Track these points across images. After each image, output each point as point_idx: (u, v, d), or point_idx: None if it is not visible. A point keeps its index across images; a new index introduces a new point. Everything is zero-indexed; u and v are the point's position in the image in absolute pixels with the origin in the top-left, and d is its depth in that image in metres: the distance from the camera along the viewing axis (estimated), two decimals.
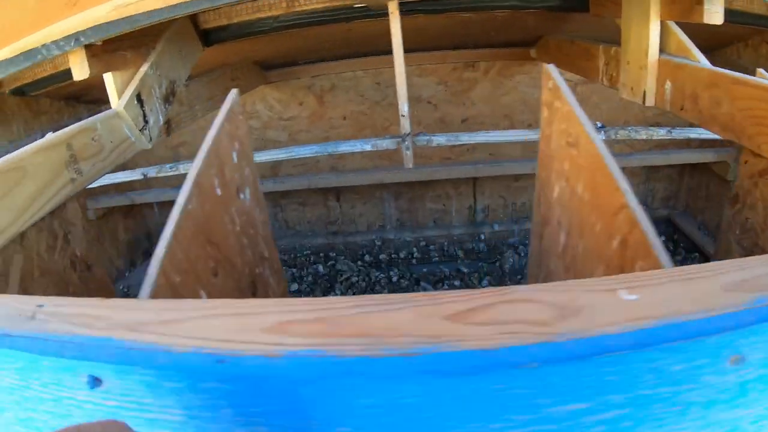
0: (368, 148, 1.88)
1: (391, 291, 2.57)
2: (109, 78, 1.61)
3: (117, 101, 1.62)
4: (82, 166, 1.35)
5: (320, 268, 2.75)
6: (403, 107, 1.78)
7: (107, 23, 1.42)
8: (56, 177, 1.23)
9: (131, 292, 2.68)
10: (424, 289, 2.55)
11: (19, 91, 2.49)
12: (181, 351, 0.47)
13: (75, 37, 1.45)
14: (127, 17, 1.42)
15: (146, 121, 1.68)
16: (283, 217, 2.94)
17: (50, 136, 1.28)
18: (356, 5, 1.94)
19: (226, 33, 2.09)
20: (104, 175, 1.45)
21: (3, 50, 1.54)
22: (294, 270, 2.77)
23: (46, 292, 1.58)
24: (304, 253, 2.88)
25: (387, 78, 2.60)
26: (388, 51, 2.53)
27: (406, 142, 1.82)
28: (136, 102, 1.62)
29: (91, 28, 1.43)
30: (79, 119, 2.86)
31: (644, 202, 3.03)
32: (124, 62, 1.68)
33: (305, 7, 1.95)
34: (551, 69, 1.21)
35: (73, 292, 1.74)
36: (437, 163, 2.72)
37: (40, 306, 0.55)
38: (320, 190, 2.80)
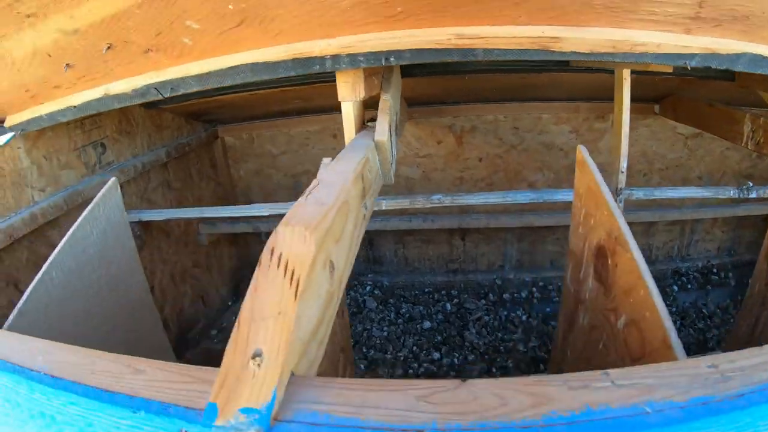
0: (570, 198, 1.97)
1: (525, 330, 2.61)
2: (349, 106, 1.53)
3: (354, 131, 1.57)
4: (366, 201, 1.27)
5: (448, 305, 2.76)
6: (623, 164, 1.89)
7: (428, 50, 1.31)
8: (359, 212, 1.08)
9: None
10: (554, 328, 2.60)
11: (151, 102, 2.43)
12: None
13: (385, 56, 1.34)
14: (446, 49, 1.30)
15: (392, 154, 1.63)
16: (403, 253, 2.94)
17: (344, 164, 1.18)
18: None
19: (419, 69, 2.13)
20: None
21: (272, 48, 1.37)
22: (421, 308, 2.76)
23: None
24: (425, 290, 2.88)
25: (525, 124, 2.70)
26: (536, 98, 2.66)
27: (621, 196, 1.91)
28: (389, 133, 1.55)
29: (411, 50, 1.31)
30: (199, 137, 2.82)
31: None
32: (370, 89, 1.60)
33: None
34: None
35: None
36: (562, 210, 2.82)
37: None
38: (446, 230, 2.84)
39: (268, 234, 2.78)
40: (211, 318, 2.83)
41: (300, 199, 0.85)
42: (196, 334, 2.64)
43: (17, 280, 1.78)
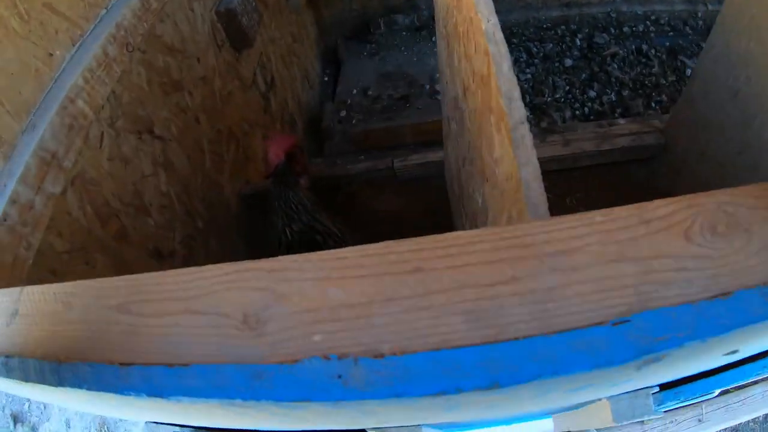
0: None
1: (659, 64, 2.48)
2: None
3: None
4: None
5: (578, 41, 2.52)
6: None
7: None
8: None
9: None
10: (682, 62, 2.50)
11: None
12: None
13: None
14: None
15: None
16: None
17: None
18: None
19: None
20: None
21: None
22: (551, 45, 2.49)
23: None
24: (543, 26, 2.57)
25: None
26: None
27: None
28: None
29: None
30: None
31: None
32: None
33: None
34: None
35: None
36: None
37: None
38: None
39: None
40: (321, 100, 2.36)
41: None
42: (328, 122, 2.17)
43: (151, 125, 1.10)
